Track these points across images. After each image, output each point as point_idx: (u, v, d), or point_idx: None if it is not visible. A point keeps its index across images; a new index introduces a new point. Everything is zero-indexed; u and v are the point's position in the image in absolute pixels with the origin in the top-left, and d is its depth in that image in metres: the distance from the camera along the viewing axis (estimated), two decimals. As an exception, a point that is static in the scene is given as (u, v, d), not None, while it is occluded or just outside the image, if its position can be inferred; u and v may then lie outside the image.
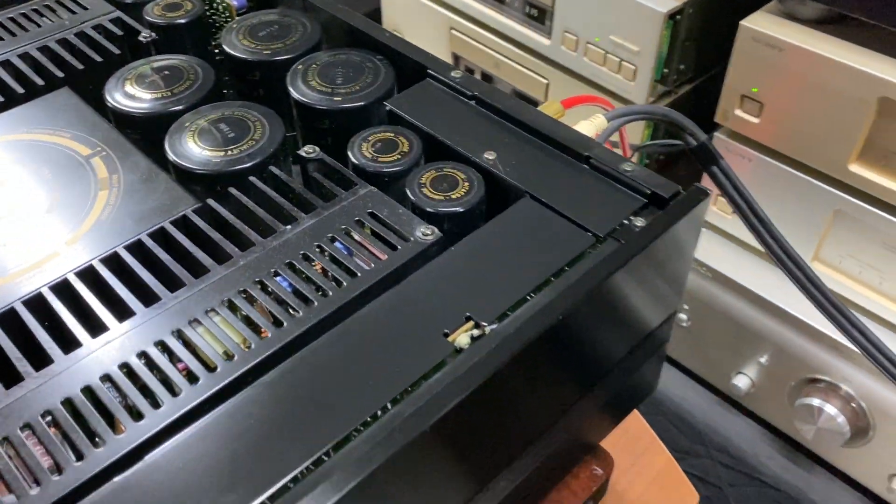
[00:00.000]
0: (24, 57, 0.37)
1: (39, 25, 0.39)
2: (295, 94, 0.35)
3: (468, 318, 0.26)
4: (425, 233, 0.29)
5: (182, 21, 0.40)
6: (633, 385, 0.35)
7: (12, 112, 0.35)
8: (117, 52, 0.38)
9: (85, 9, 0.41)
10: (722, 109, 0.61)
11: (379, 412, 0.23)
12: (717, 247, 0.67)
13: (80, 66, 0.37)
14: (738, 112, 0.60)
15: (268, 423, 0.23)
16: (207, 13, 0.42)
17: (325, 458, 0.22)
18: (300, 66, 0.36)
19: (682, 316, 0.70)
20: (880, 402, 0.59)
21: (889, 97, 0.51)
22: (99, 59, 0.38)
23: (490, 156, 0.32)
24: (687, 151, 0.38)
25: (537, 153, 0.32)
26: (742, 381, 0.68)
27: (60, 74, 0.36)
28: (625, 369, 0.32)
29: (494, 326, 0.26)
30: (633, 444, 0.49)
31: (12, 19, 0.40)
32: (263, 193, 0.30)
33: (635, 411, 0.46)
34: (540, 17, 0.68)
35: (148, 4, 0.41)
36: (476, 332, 0.26)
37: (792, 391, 0.64)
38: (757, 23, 0.56)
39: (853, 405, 0.61)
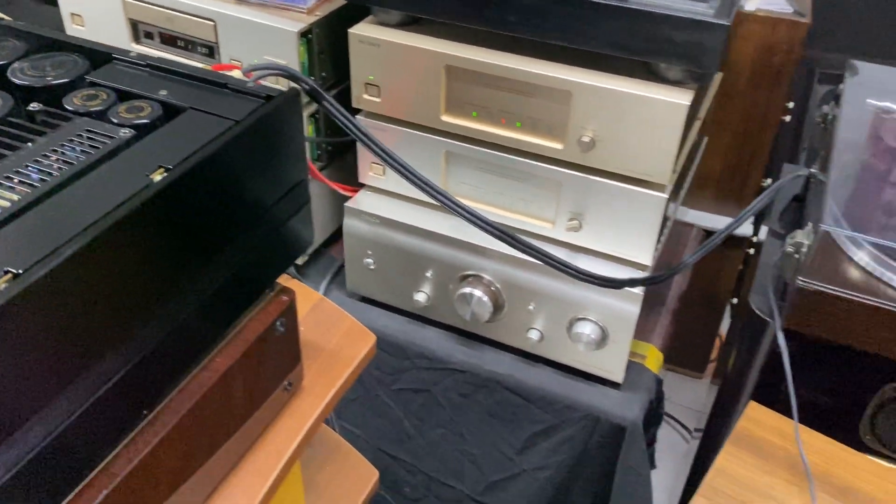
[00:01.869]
0: None
1: None
2: (18, 81, 0.50)
3: (160, 166, 0.43)
4: (124, 132, 0.46)
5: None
6: (291, 233, 0.54)
7: None
8: None
9: None
10: (355, 97, 0.84)
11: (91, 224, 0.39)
12: (378, 201, 0.89)
13: None
14: (366, 96, 0.83)
15: (32, 237, 0.38)
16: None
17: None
18: (16, 65, 0.52)
19: (369, 261, 0.91)
20: (509, 281, 0.84)
21: (451, 64, 0.77)
22: None
23: (163, 92, 0.50)
24: (305, 93, 0.59)
25: (194, 88, 0.51)
26: (421, 297, 0.90)
27: None
28: (277, 217, 0.51)
29: (169, 173, 0.43)
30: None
31: None
32: (3, 131, 0.45)
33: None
34: (210, 54, 0.87)
35: None
36: (165, 175, 0.43)
37: (452, 290, 0.88)
38: (360, 29, 0.80)
39: (492, 288, 0.86)
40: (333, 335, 0.66)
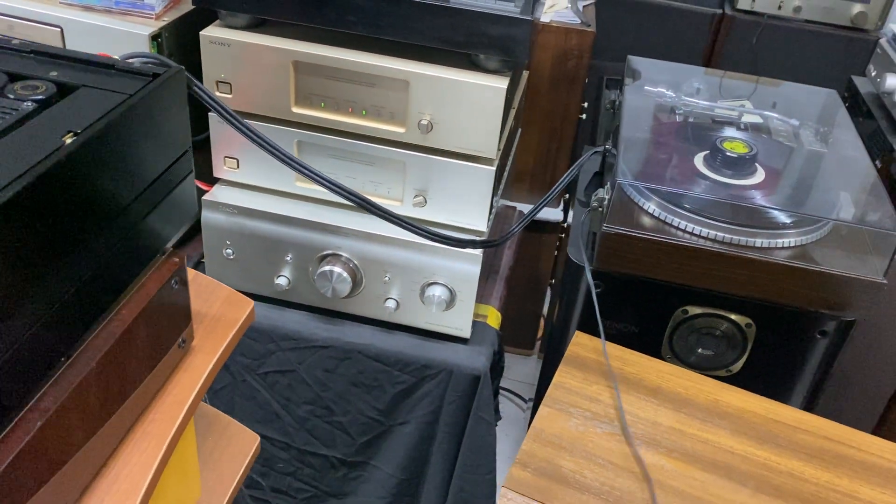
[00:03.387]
0: None
1: None
2: None
3: (70, 131, 0.49)
4: (26, 106, 0.50)
5: None
6: (179, 200, 0.60)
7: None
8: None
9: None
10: (208, 94, 0.90)
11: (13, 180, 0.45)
12: (234, 193, 0.95)
13: None
14: (218, 93, 0.89)
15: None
16: None
17: None
18: None
19: (228, 251, 0.96)
20: (362, 254, 0.93)
21: (298, 60, 0.85)
22: None
23: (54, 73, 0.55)
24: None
25: (84, 70, 0.56)
26: (282, 281, 0.97)
27: None
28: (168, 183, 0.57)
29: (77, 136, 0.49)
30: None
31: None
32: None
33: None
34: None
35: None
36: (76, 138, 0.49)
37: (312, 271, 0.96)
38: (210, 31, 0.86)
39: (350, 265, 0.94)
40: (214, 303, 0.71)
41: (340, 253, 0.94)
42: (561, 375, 0.78)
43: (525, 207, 1.43)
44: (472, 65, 0.85)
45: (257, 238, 0.95)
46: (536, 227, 1.52)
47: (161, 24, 0.87)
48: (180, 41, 0.90)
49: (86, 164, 0.48)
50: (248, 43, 0.85)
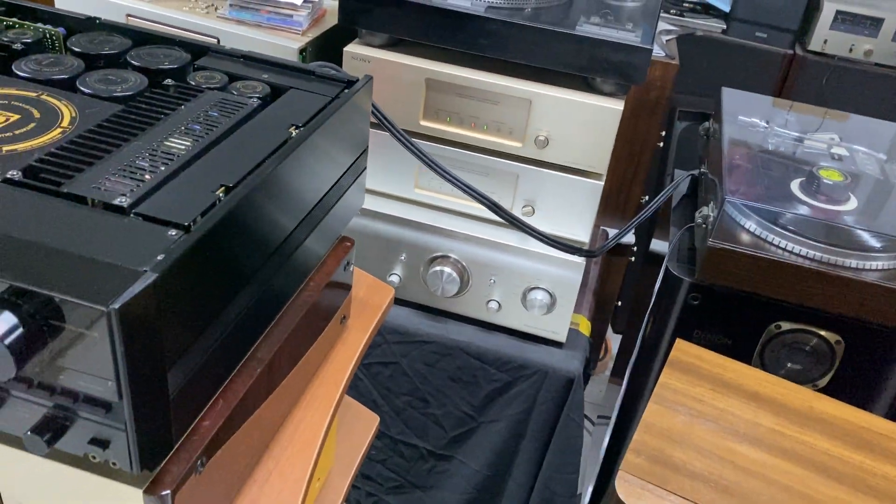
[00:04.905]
0: (-62, 59, 0.58)
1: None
2: (138, 64, 0.62)
3: (292, 125, 0.57)
4: (253, 100, 0.59)
5: (30, 40, 0.63)
6: (356, 191, 0.68)
7: (-37, 82, 0.55)
8: (5, 54, 0.60)
9: (-42, 35, 0.61)
10: (343, 104, 0.99)
11: (264, 160, 0.53)
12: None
13: (-13, 61, 0.59)
14: (353, 104, 0.98)
15: (204, 176, 0.51)
16: (43, 38, 0.65)
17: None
18: (133, 53, 0.63)
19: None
20: (470, 256, 1.01)
21: (430, 77, 0.94)
22: (-4, 57, 0.60)
23: (265, 75, 0.63)
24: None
25: (287, 74, 0.65)
26: (395, 279, 1.05)
27: (-23, 65, 0.58)
28: (353, 174, 0.66)
29: (301, 130, 0.57)
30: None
31: None
32: (157, 98, 0.58)
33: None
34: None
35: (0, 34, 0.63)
36: (300, 131, 0.57)
37: (423, 271, 1.03)
38: (352, 48, 0.95)
39: (458, 265, 1.02)
40: (360, 288, 0.79)
41: (450, 255, 1.02)
42: (666, 377, 0.84)
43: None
44: (588, 87, 0.93)
45: (376, 237, 1.03)
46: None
47: (307, 39, 0.96)
48: (321, 55, 0.99)
49: (308, 152, 0.56)
50: (387, 60, 0.94)
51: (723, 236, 0.89)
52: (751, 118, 1.09)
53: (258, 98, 0.60)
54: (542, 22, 0.89)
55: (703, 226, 0.92)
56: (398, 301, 1.08)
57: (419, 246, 1.02)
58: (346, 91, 0.63)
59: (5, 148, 0.49)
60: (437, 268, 1.01)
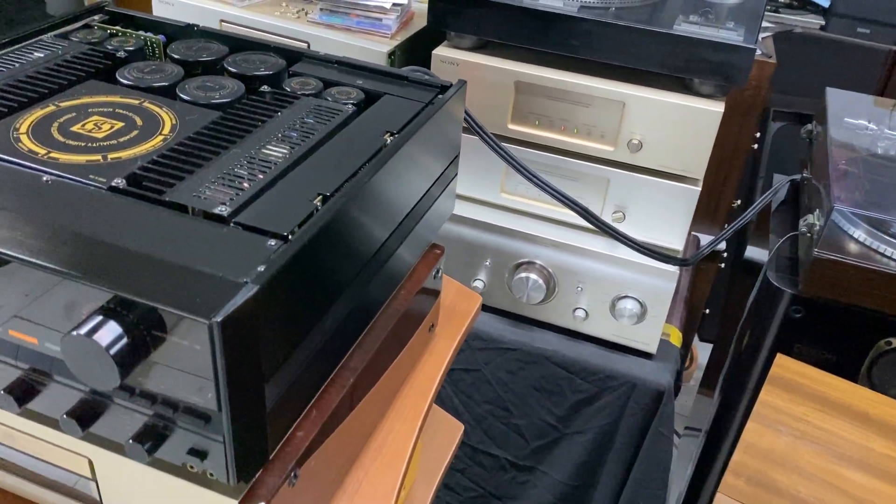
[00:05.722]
0: (48, 68, 0.59)
1: (42, 55, 0.61)
2: (234, 70, 0.62)
3: (387, 132, 0.56)
4: (348, 107, 0.58)
5: (132, 48, 0.64)
6: (447, 197, 0.67)
7: (69, 91, 0.57)
8: (110, 62, 0.62)
9: (65, 45, 0.63)
10: (430, 108, 0.98)
11: (360, 168, 0.52)
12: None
13: (92, 69, 0.60)
14: (440, 107, 0.97)
15: (304, 185, 0.51)
16: (144, 45, 0.66)
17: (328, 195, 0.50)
18: (229, 59, 0.64)
19: (432, 253, 1.04)
20: (557, 263, 0.99)
21: (520, 80, 0.92)
22: (101, 65, 0.61)
23: (360, 81, 0.63)
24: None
25: (381, 79, 0.64)
26: (479, 284, 1.03)
27: (83, 74, 0.59)
28: (444, 181, 0.64)
29: (395, 137, 0.56)
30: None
31: (13, 55, 0.61)
32: (254, 104, 0.58)
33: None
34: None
35: (103, 42, 0.65)
36: (392, 137, 0.56)
37: (508, 277, 1.01)
38: (441, 51, 0.94)
39: (544, 272, 1.00)
40: (447, 294, 0.78)
41: (536, 261, 0.99)
42: (767, 394, 0.80)
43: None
44: (685, 88, 0.89)
45: (461, 242, 1.01)
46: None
47: (395, 42, 0.96)
48: (409, 58, 0.99)
49: (403, 160, 0.55)
50: (476, 63, 0.93)
51: (830, 246, 0.84)
52: (858, 120, 1.03)
53: (353, 104, 0.60)
54: (638, 21, 0.86)
55: (808, 235, 0.87)
56: (482, 307, 1.06)
57: (504, 251, 1.00)
58: (440, 97, 0.62)
59: (111, 155, 0.50)
60: (523, 274, 0.99)
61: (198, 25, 0.69)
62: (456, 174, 0.68)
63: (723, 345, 1.53)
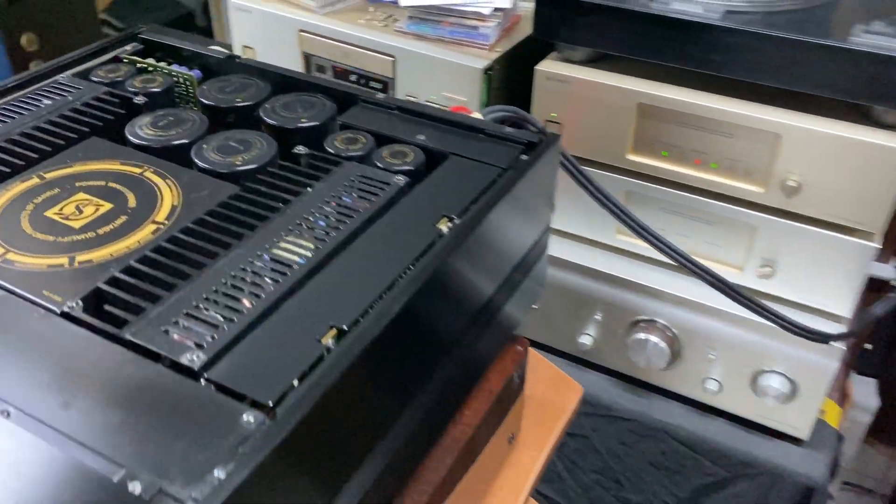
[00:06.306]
0: (49, 122, 0.49)
1: (48, 103, 0.51)
2: (271, 122, 0.50)
3: (444, 216, 0.42)
4: (398, 179, 0.44)
5: (159, 90, 0.53)
6: (534, 279, 0.52)
7: (63, 153, 0.46)
8: (123, 112, 0.51)
9: (79, 89, 0.53)
10: (534, 133, 0.82)
11: (395, 281, 0.38)
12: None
13: (99, 123, 0.49)
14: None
15: (334, 296, 0.37)
16: (175, 84, 0.55)
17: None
18: (267, 105, 0.51)
19: (534, 300, 0.89)
20: (685, 325, 0.81)
21: (644, 102, 0.74)
22: (111, 117, 0.50)
23: (421, 137, 0.49)
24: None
25: (449, 133, 0.49)
26: (586, 339, 0.87)
27: (86, 129, 0.48)
28: (528, 263, 0.50)
29: (460, 219, 0.42)
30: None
31: (20, 101, 0.51)
32: (281, 175, 0.45)
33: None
34: (384, 89, 0.87)
35: (126, 81, 0.54)
36: (450, 224, 0.42)
37: (623, 335, 0.85)
38: (547, 66, 0.78)
39: (668, 333, 0.82)
40: (538, 383, 0.63)
41: (658, 320, 0.82)
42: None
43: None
44: (863, 117, 0.69)
45: (566, 290, 0.86)
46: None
47: (494, 55, 0.81)
48: (510, 74, 0.84)
49: (463, 259, 0.40)
50: (589, 81, 0.76)
51: None
52: None
53: (407, 170, 0.46)
54: (802, 32, 0.67)
55: None
56: (590, 364, 0.90)
57: (619, 305, 0.84)
58: (525, 157, 0.47)
59: (80, 258, 0.38)
60: (641, 335, 0.82)
61: (239, 57, 0.57)
62: (546, 248, 0.52)
63: (886, 384, 1.29)
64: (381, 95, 0.52)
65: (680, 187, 0.78)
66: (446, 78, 0.82)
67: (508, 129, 0.49)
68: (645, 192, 0.79)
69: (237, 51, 0.95)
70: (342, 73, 0.89)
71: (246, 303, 0.36)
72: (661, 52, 0.73)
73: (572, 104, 0.78)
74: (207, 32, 1.70)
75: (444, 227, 0.41)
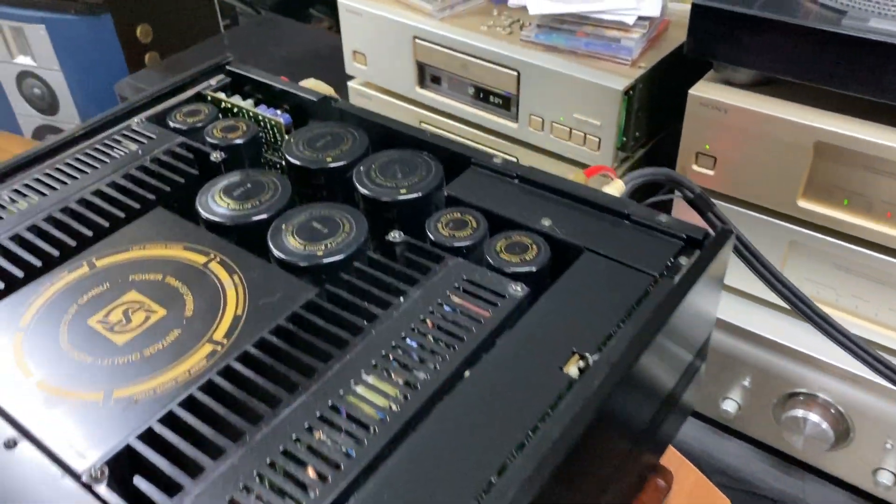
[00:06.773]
0: (112, 185, 0.42)
1: (115, 157, 0.44)
2: (364, 191, 0.41)
3: (574, 353, 0.32)
4: (515, 289, 0.34)
5: (241, 141, 0.45)
6: (685, 404, 0.41)
7: (121, 231, 0.39)
8: (195, 172, 0.43)
9: (152, 138, 0.46)
10: (680, 166, 0.69)
11: (525, 440, 0.28)
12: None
13: (167, 188, 0.42)
14: (695, 167, 0.69)
15: (432, 468, 0.28)
16: (260, 132, 0.47)
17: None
18: (362, 168, 0.42)
19: (668, 353, 0.77)
20: (856, 404, 0.67)
21: (822, 140, 0.61)
22: (181, 179, 0.43)
23: (546, 222, 0.38)
24: (686, 201, 0.46)
25: (584, 216, 0.39)
26: (730, 405, 0.75)
27: (152, 197, 0.41)
28: (678, 391, 0.39)
29: (596, 357, 0.31)
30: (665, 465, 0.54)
31: (87, 154, 0.45)
32: (369, 275, 0.36)
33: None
34: (506, 105, 0.77)
35: (206, 128, 0.46)
36: (581, 364, 0.31)
37: (776, 407, 0.72)
38: (702, 90, 0.65)
39: (832, 411, 0.69)
40: (678, 492, 0.52)
41: (818, 394, 0.69)
42: None
43: None
44: None
45: (711, 350, 0.73)
46: None
47: (636, 73, 0.68)
48: (655, 96, 0.71)
49: (596, 410, 0.30)
50: (754, 111, 0.63)
51: None
52: None
53: (527, 272, 0.36)
54: None
55: None
56: (732, 432, 0.78)
57: (773, 373, 0.71)
58: (683, 259, 0.36)
59: (117, 393, 0.31)
60: (799, 412, 0.69)
61: (336, 100, 0.48)
62: (703, 362, 0.41)
63: None
64: (498, 160, 0.42)
65: (862, 244, 0.63)
66: (578, 98, 0.70)
67: (663, 219, 0.37)
68: (816, 245, 0.66)
69: (347, 57, 0.86)
70: (458, 84, 0.79)
71: (312, 474, 0.27)
72: (847, 80, 0.59)
73: (731, 136, 0.65)
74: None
75: (573, 368, 0.31)
